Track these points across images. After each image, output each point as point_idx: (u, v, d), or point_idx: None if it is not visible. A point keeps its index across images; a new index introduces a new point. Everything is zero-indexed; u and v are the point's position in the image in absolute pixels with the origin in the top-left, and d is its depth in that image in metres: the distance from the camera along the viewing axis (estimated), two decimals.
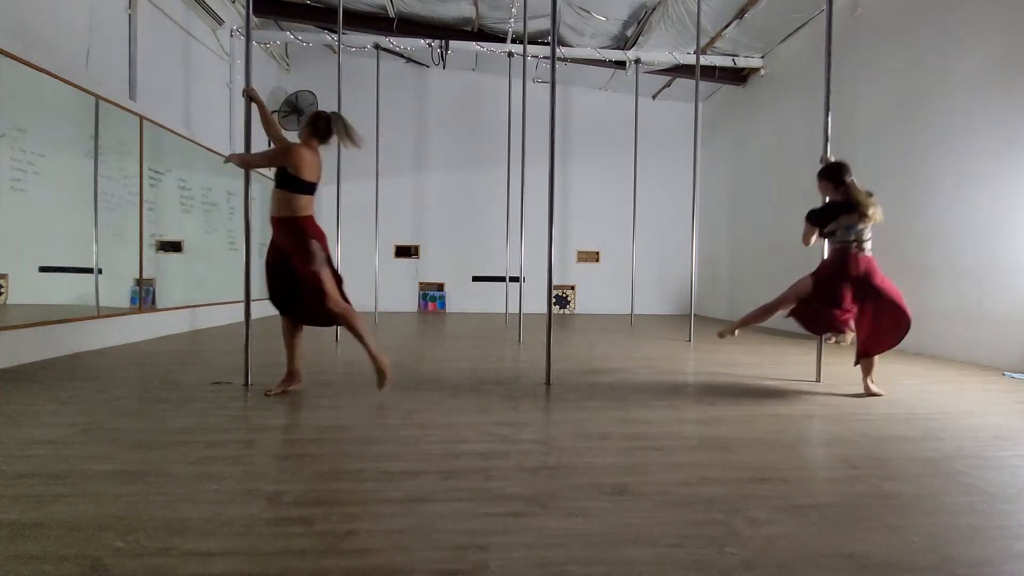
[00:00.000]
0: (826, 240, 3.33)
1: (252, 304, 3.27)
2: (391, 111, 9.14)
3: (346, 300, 2.93)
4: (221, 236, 6.85)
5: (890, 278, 3.22)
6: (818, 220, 3.24)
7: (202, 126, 6.67)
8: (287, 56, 9.17)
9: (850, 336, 5.89)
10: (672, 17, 6.98)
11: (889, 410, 2.87)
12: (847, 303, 3.16)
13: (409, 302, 9.74)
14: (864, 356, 3.24)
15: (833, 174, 3.22)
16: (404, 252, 9.68)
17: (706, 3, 6.52)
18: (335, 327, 4.11)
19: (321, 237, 2.90)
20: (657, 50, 7.80)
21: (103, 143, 4.70)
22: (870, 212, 3.05)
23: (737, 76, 8.42)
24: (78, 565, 1.25)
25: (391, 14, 7.67)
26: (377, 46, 7.71)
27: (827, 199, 3.32)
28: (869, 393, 3.23)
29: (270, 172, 3.06)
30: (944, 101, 4.88)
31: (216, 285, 6.65)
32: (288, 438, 2.22)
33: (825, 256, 3.32)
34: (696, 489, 1.76)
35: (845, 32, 5.96)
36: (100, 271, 4.71)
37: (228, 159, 3.04)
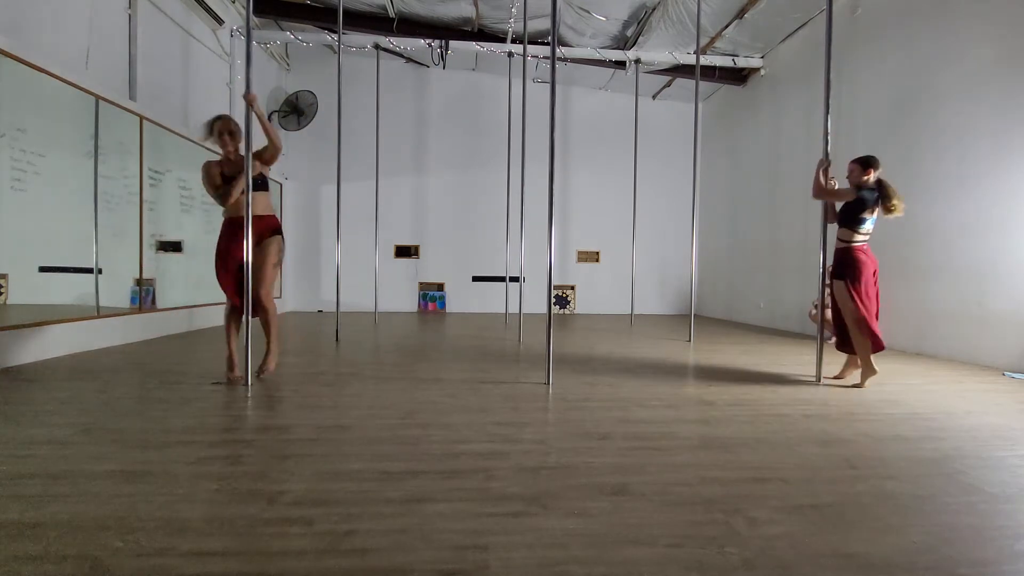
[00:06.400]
0: (841, 228, 3.46)
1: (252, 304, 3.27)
2: (391, 111, 9.14)
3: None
4: None
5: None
6: (869, 205, 3.35)
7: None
8: (287, 56, 9.16)
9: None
10: (672, 17, 6.98)
11: (889, 410, 2.87)
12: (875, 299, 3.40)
13: (409, 302, 9.74)
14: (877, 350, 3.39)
15: (872, 163, 3.39)
16: (404, 252, 9.67)
17: (706, 3, 6.52)
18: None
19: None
20: (657, 50, 7.80)
21: (103, 143, 4.70)
22: (896, 204, 3.26)
23: (737, 76, 8.42)
24: (78, 565, 1.26)
25: (391, 14, 7.67)
26: (377, 46, 7.71)
27: (858, 188, 3.43)
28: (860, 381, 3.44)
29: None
30: (943, 101, 4.88)
31: (216, 285, 6.62)
32: (288, 438, 2.22)
33: (833, 248, 3.47)
34: (696, 489, 1.76)
35: (845, 32, 5.97)
36: (100, 271, 4.71)
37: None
